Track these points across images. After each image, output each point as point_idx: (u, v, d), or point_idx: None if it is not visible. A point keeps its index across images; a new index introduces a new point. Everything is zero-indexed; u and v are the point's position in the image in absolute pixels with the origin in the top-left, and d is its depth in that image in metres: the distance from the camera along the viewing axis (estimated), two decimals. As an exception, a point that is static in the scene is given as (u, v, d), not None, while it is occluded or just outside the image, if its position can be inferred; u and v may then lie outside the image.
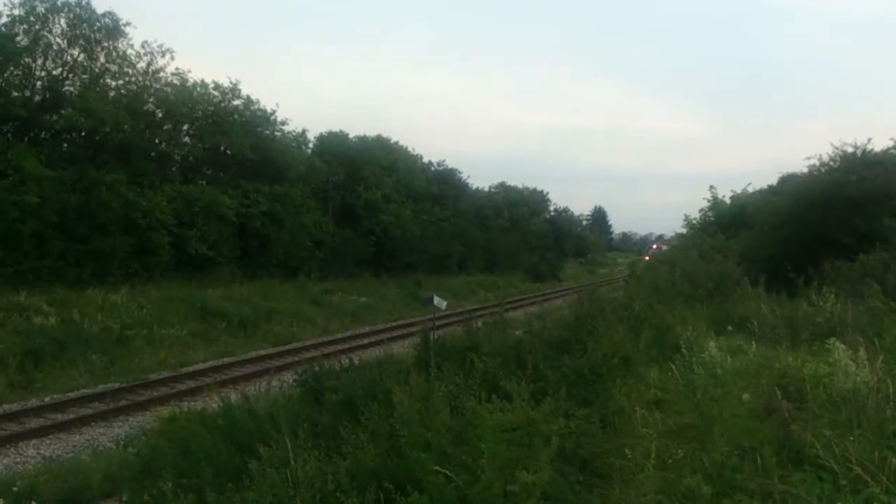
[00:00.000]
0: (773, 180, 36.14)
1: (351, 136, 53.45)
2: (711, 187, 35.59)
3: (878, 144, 21.63)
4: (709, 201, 35.34)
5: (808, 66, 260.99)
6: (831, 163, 21.26)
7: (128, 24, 33.39)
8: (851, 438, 5.61)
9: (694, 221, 36.34)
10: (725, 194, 35.18)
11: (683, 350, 9.48)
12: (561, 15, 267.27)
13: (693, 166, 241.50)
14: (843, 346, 8.11)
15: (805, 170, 23.63)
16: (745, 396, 6.95)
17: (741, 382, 7.62)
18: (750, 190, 35.16)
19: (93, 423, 14.86)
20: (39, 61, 31.51)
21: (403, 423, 7.06)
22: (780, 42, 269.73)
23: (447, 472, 6.10)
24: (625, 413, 7.47)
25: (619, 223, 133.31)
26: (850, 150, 21.10)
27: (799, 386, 7.38)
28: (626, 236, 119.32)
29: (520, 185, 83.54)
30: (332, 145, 50.30)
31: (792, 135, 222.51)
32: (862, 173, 19.59)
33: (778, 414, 6.18)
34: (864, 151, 21.02)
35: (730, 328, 12.28)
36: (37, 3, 31.05)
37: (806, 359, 8.68)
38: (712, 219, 34.36)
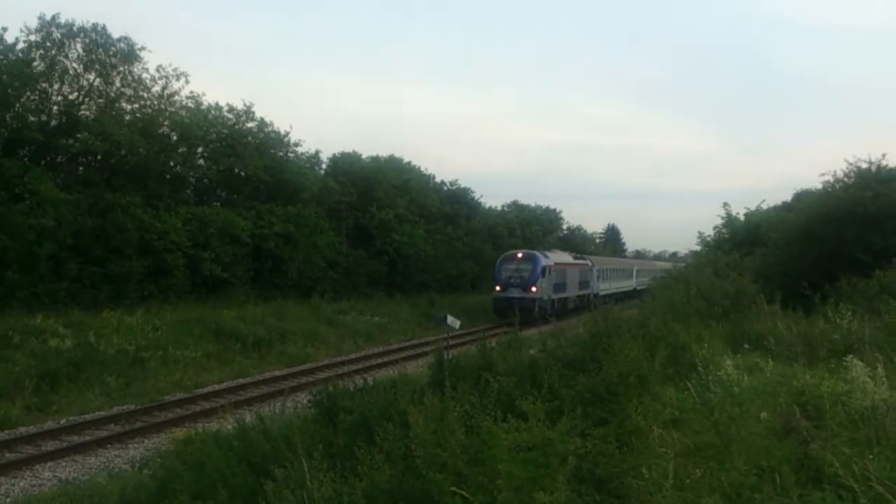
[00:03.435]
0: (788, 197, 36.10)
1: (364, 156, 53.75)
2: (725, 204, 35.57)
3: (893, 160, 21.57)
4: (723, 218, 35.30)
5: (821, 82, 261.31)
6: (846, 179, 21.19)
7: (143, 48, 33.81)
8: (871, 456, 5.57)
9: (708, 239, 36.26)
10: (739, 211, 35.16)
11: (700, 368, 9.46)
12: (570, 32, 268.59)
13: (706, 183, 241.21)
14: (860, 363, 8.07)
15: (819, 186, 23.61)
16: (763, 415, 6.91)
17: (759, 401, 7.59)
18: (764, 207, 35.14)
19: (108, 446, 14.89)
20: (56, 86, 31.88)
21: (419, 444, 7.04)
22: (793, 58, 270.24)
23: (464, 492, 6.08)
24: (642, 432, 7.44)
25: (633, 241, 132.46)
26: (864, 165, 21.05)
27: (817, 404, 7.34)
28: (639, 254, 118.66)
29: (532, 204, 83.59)
30: (345, 166, 50.53)
31: (806, 151, 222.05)
32: (877, 189, 19.51)
33: (797, 433, 6.14)
34: (878, 167, 20.95)
35: (746, 346, 12.23)
36: (53, 28, 31.48)
37: (823, 376, 8.63)
38: (726, 236, 34.28)
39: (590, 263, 52.50)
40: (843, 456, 5.63)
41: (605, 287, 54.89)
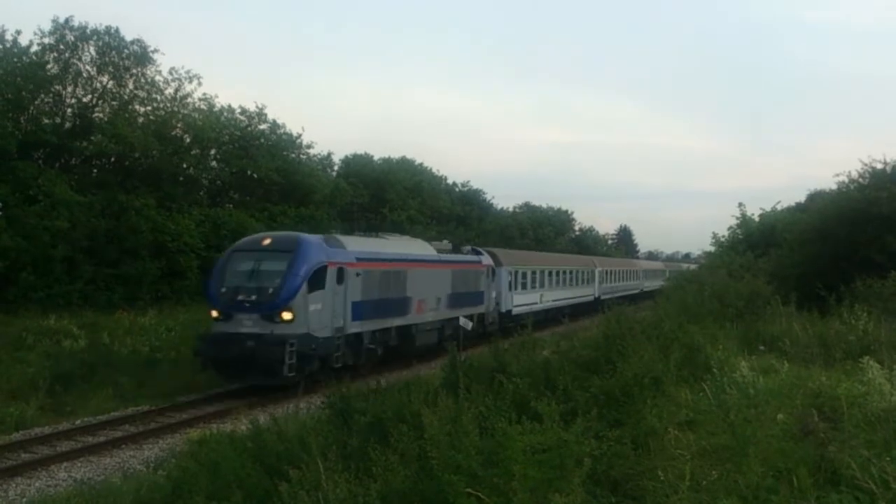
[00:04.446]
0: (802, 197, 35.99)
1: (375, 158, 53.90)
2: (741, 204, 35.54)
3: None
4: (738, 219, 35.23)
5: (835, 81, 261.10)
6: (861, 179, 21.10)
7: (156, 50, 34.00)
8: (888, 458, 5.54)
9: (722, 239, 36.18)
10: (754, 212, 35.07)
11: (714, 370, 9.43)
12: (581, 33, 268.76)
13: (719, 184, 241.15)
14: (877, 364, 8.04)
15: (834, 186, 23.49)
16: (780, 417, 6.88)
17: (775, 403, 7.55)
18: (779, 208, 35.01)
19: (123, 446, 14.92)
20: (69, 88, 32.08)
21: (433, 445, 7.03)
22: (806, 58, 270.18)
23: (479, 494, 6.07)
24: (657, 434, 7.42)
25: (646, 241, 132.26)
26: (879, 166, 20.95)
27: (834, 406, 7.32)
28: (652, 255, 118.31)
29: (544, 205, 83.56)
30: (357, 167, 50.70)
31: (820, 152, 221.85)
32: (892, 189, 19.41)
33: (814, 435, 6.11)
34: (893, 167, 20.83)
35: (761, 347, 12.20)
36: (66, 31, 31.67)
37: (840, 378, 8.60)
38: (741, 236, 34.20)
39: (487, 261, 30.59)
40: (861, 458, 5.60)
41: (529, 301, 34.85)
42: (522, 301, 33.96)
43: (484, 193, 66.44)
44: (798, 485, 5.44)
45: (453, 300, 26.60)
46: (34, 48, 30.71)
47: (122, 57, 32.96)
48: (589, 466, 6.17)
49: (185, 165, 36.68)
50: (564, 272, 42.18)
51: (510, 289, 32.65)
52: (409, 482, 6.86)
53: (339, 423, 10.49)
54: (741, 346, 12.36)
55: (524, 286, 34.71)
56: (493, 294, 30.64)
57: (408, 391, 10.66)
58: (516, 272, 33.73)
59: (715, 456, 6.45)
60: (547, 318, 34.55)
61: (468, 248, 31.00)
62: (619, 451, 7.03)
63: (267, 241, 20.39)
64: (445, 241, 30.47)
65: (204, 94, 37.71)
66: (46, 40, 31.21)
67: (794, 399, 7.73)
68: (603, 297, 44.14)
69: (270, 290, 18.62)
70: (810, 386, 8.29)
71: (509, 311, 32.07)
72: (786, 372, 9.59)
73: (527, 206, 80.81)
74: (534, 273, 36.33)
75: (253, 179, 39.53)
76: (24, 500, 11.86)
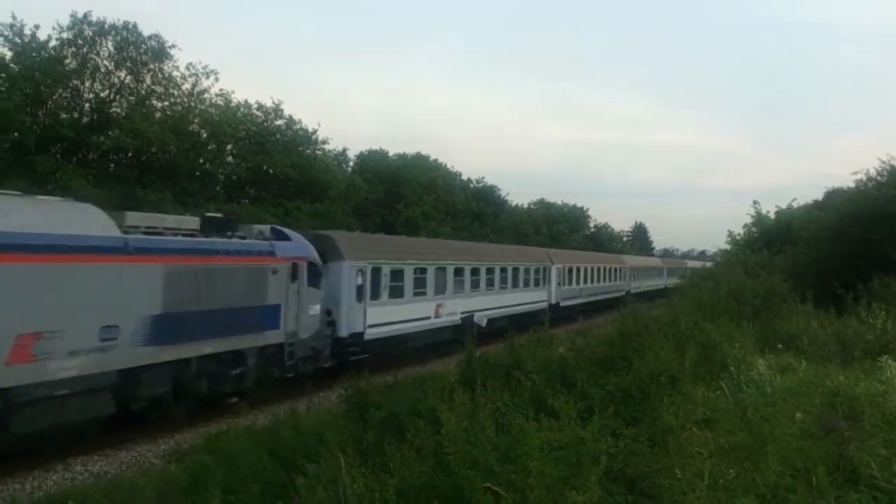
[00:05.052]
0: (819, 195, 35.80)
1: (391, 154, 54.00)
2: (755, 202, 35.37)
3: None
4: (753, 216, 35.07)
5: (851, 79, 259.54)
6: (878, 177, 20.94)
7: (173, 46, 34.15)
8: (908, 459, 5.51)
9: (738, 237, 36.03)
10: (770, 210, 34.93)
11: (731, 368, 9.40)
12: (596, 31, 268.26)
13: (735, 182, 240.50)
14: (895, 364, 7.99)
15: (852, 184, 23.34)
16: (798, 415, 6.86)
17: (793, 401, 7.53)
18: (795, 205, 34.85)
19: (139, 440, 15.00)
20: (87, 83, 32.28)
21: (450, 441, 7.05)
22: (822, 55, 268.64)
23: (496, 489, 6.08)
24: (674, 432, 7.40)
25: (661, 239, 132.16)
26: (897, 164, 20.77)
27: (852, 405, 7.28)
28: (667, 252, 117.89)
29: (559, 202, 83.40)
30: (373, 163, 50.78)
31: (837, 149, 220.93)
32: (911, 188, 19.25)
33: (836, 433, 6.09)
34: (912, 165, 20.67)
35: (779, 346, 12.15)
36: (85, 26, 31.83)
37: (858, 377, 8.56)
38: (756, 234, 34.05)
39: (294, 253, 17.66)
40: (880, 457, 5.58)
41: (407, 316, 22.73)
42: (390, 317, 21.72)
43: (499, 190, 66.41)
44: (816, 484, 5.42)
45: (171, 326, 14.05)
46: (53, 43, 30.93)
47: (140, 52, 33.14)
48: (605, 464, 6.17)
49: (201, 161, 36.82)
50: (490, 270, 28.72)
51: (360, 298, 20.41)
52: (425, 477, 6.88)
53: (355, 418, 10.53)
54: (758, 345, 12.32)
55: (397, 293, 22.25)
56: (314, 309, 18.33)
57: (423, 387, 10.68)
58: (376, 270, 21.22)
59: (733, 454, 6.45)
60: (457, 338, 21.29)
61: (261, 228, 17.94)
62: (635, 448, 7.03)
63: None
64: (214, 215, 17.37)
65: (220, 89, 37.98)
66: (65, 35, 31.44)
67: (813, 398, 7.70)
68: (564, 304, 36.10)
69: None
70: (828, 385, 8.25)
71: (359, 335, 20.28)
72: (803, 370, 9.57)
73: (541, 203, 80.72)
74: (420, 271, 23.69)
75: (269, 175, 39.65)
76: (41, 492, 11.96)
